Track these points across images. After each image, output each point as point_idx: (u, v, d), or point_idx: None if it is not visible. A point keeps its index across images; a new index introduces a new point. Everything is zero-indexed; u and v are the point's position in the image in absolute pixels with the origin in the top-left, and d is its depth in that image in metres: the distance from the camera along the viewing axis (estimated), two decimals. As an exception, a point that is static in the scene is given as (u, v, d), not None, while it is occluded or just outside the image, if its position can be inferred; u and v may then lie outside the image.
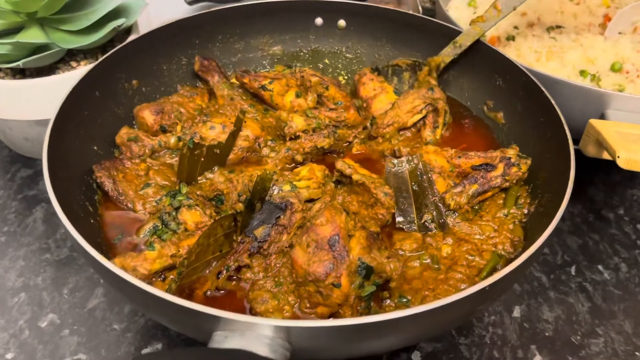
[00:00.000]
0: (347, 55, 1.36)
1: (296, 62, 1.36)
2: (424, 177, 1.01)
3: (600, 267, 1.18)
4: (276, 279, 0.88)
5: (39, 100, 1.21)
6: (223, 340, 0.67)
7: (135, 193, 1.00)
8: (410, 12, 1.27)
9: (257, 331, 0.66)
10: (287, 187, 0.96)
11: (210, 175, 1.04)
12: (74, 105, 1.02)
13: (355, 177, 0.98)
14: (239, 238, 0.90)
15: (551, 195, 0.95)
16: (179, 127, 1.12)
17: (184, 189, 0.96)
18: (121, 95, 1.16)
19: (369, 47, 1.34)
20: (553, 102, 1.01)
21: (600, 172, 1.40)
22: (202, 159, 1.04)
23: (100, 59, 1.10)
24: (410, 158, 1.03)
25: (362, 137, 1.15)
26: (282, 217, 0.90)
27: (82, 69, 1.20)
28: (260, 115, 1.17)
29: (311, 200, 0.96)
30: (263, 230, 0.89)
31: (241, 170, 1.04)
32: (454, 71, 1.26)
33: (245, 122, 1.10)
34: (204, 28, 1.27)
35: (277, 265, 0.89)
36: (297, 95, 1.13)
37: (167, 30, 1.21)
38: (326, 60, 1.37)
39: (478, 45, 1.19)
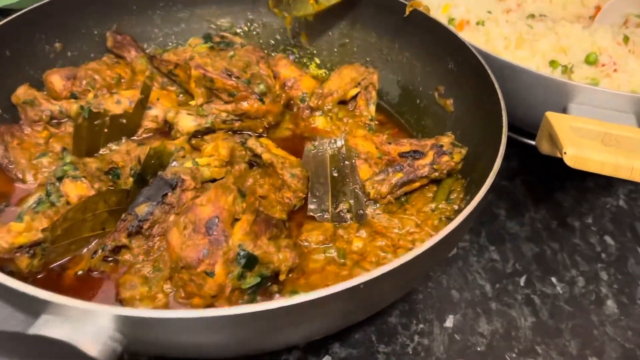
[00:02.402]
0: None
1: (247, 38, 1.26)
2: (346, 162, 0.91)
3: (553, 279, 1.06)
4: (156, 264, 0.78)
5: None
6: (44, 325, 0.58)
7: (29, 162, 0.92)
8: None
9: (85, 319, 0.57)
10: (188, 164, 0.86)
11: (114, 147, 0.96)
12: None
13: (265, 156, 0.88)
14: (123, 215, 0.81)
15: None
16: (90, 95, 1.03)
17: (68, 158, 0.87)
18: (40, 58, 1.08)
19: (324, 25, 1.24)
20: (497, 88, 0.89)
21: (574, 177, 1.27)
22: (106, 130, 0.95)
23: (13, 15, 1.02)
24: (333, 140, 0.93)
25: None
26: (170, 194, 0.80)
27: None
28: (184, 94, 1.08)
29: (214, 181, 0.86)
30: (146, 207, 0.79)
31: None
32: (408, 53, 1.14)
33: (158, 99, 1.01)
34: (144, -7, 1.18)
35: (161, 248, 0.80)
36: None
37: (99, -8, 1.13)
38: (278, 37, 1.27)
39: (434, 26, 1.08)
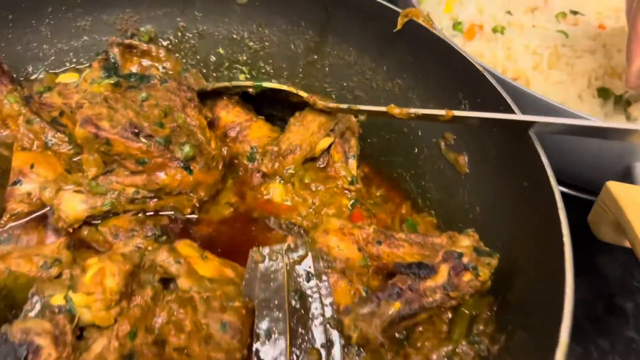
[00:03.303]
0: (251, 44, 0.91)
1: (179, 52, 0.91)
2: (313, 280, 0.58)
3: (606, 400, 0.76)
4: None
5: None
6: None
7: None
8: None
9: None
10: (58, 300, 0.53)
11: None
12: None
13: (182, 283, 0.55)
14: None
15: (530, 334, 0.53)
16: None
17: None
18: None
19: (283, 35, 0.89)
20: (540, 151, 0.58)
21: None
22: None
23: None
24: (292, 245, 0.60)
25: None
26: (13, 376, 0.47)
27: None
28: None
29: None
30: (-30, 404, 0.47)
31: (16, 241, 0.63)
32: (400, 79, 0.81)
33: (33, 166, 0.67)
34: (22, -6, 0.82)
35: None
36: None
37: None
38: (220, 50, 0.92)
39: (436, 44, 0.74)
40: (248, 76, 0.92)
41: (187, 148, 0.66)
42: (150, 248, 0.62)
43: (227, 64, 0.93)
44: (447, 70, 0.74)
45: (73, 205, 0.65)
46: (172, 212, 0.70)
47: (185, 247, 0.60)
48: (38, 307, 0.54)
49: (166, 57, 0.86)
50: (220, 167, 0.70)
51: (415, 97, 0.79)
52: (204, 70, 0.92)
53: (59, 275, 0.59)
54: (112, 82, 0.74)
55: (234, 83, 0.79)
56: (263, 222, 0.70)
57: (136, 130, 0.64)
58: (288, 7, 0.86)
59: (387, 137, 0.83)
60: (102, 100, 0.66)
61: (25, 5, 0.83)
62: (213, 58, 0.93)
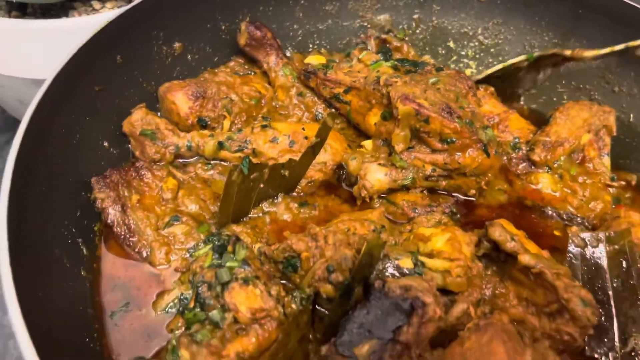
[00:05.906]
0: (483, 39, 0.94)
1: (411, 43, 0.94)
2: (632, 268, 0.61)
3: None
4: None
5: (38, 52, 0.84)
6: None
7: (156, 232, 0.62)
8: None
9: None
10: (407, 263, 0.57)
11: (268, 208, 0.68)
12: (80, 73, 0.64)
13: (525, 260, 0.58)
14: (324, 349, 0.52)
15: None
16: (226, 123, 0.74)
17: (241, 252, 0.56)
18: (155, 63, 0.77)
19: (519, 33, 0.92)
20: None
21: None
22: (262, 185, 0.65)
23: (131, 4, 0.70)
24: (610, 235, 0.62)
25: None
26: (405, 329, 0.51)
27: (104, 14, 0.82)
28: (347, 129, 0.80)
29: (446, 292, 0.57)
30: (370, 349, 0.50)
31: (314, 206, 0.67)
32: (653, 86, 0.83)
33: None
34: (287, -24, 0.86)
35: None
36: (385, 118, 0.71)
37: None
38: (450, 44, 0.95)
39: None
40: (474, 71, 0.96)
41: (490, 132, 0.69)
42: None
43: (454, 57, 0.96)
44: None
45: (378, 177, 0.68)
46: (456, 194, 0.73)
47: (510, 225, 0.63)
48: (390, 268, 0.58)
49: (414, 57, 0.90)
50: (502, 154, 0.73)
51: (669, 104, 0.82)
52: (432, 61, 0.96)
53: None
54: (390, 64, 0.78)
55: (509, 62, 0.83)
56: (539, 210, 0.73)
57: (450, 111, 0.67)
58: (532, 7, 0.89)
59: (627, 141, 0.85)
60: (410, 80, 0.69)
61: (287, -15, 0.88)
62: (441, 51, 0.96)
